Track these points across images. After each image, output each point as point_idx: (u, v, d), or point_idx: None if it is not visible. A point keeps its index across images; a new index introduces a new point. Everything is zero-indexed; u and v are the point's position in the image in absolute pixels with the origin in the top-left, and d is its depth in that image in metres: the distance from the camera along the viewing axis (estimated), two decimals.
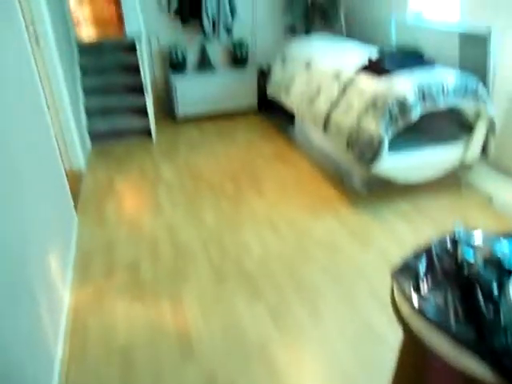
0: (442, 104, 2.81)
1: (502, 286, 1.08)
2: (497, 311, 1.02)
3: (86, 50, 4.47)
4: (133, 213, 3.10)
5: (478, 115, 2.97)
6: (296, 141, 4.29)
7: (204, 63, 4.99)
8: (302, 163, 3.80)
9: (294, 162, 3.82)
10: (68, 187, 2.84)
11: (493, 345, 0.97)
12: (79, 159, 3.62)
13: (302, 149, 4.10)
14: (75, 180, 3.38)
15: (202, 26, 4.63)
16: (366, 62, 3.17)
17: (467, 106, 2.92)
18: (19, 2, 2.32)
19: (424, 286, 1.16)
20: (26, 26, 2.53)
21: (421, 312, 1.09)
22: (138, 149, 4.18)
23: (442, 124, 3.26)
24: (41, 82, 2.61)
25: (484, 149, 3.11)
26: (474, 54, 2.99)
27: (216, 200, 3.22)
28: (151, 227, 2.89)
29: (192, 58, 4.97)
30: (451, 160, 3.13)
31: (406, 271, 1.25)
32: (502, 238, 1.27)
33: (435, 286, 1.15)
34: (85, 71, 4.39)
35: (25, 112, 2.09)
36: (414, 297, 1.13)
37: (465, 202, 3.07)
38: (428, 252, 1.28)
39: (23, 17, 2.39)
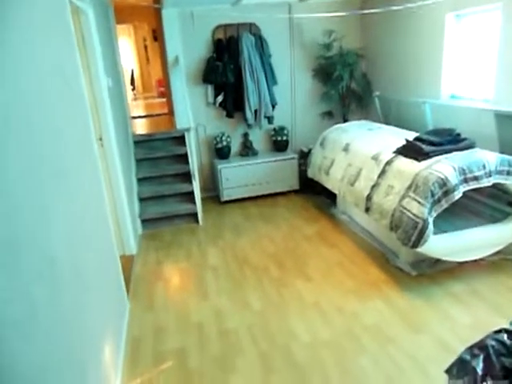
0: (485, 183, 2.82)
1: None
2: None
3: (140, 142, 4.94)
4: (180, 297, 3.17)
5: None
6: (338, 221, 4.34)
7: (247, 149, 5.33)
8: (346, 244, 3.80)
9: (338, 243, 3.83)
10: (121, 273, 3.00)
11: None
12: (131, 245, 3.84)
13: (344, 229, 4.13)
14: (127, 265, 3.56)
15: (244, 117, 5.03)
16: (405, 143, 3.28)
17: (510, 184, 2.91)
18: (91, 115, 2.69)
19: None
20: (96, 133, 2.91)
21: None
22: (186, 232, 4.38)
23: (492, 203, 3.24)
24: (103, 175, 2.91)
25: None
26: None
27: (261, 284, 3.24)
28: (198, 312, 2.94)
29: (236, 144, 5.34)
30: (503, 238, 3.04)
31: (461, 369, 1.21)
32: None
33: None
34: (138, 161, 4.81)
35: (91, 203, 2.33)
36: None
37: None
38: (483, 347, 1.24)
39: (94, 124, 2.76)
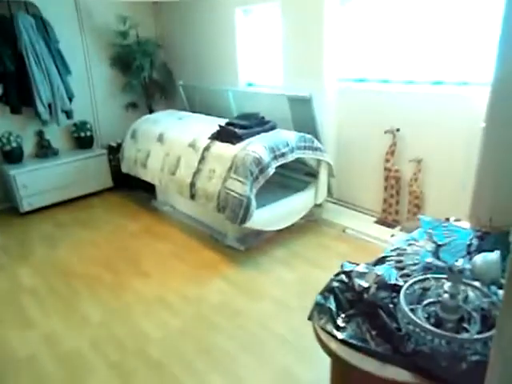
0: (290, 158, 3.26)
1: (394, 300, 1.33)
2: (397, 322, 1.25)
3: None
4: None
5: (318, 163, 3.54)
6: (162, 213, 4.30)
7: (44, 149, 4.67)
8: (175, 234, 3.81)
9: (166, 234, 3.81)
10: None
11: (405, 351, 1.17)
12: None
13: (170, 220, 4.12)
14: None
15: (36, 112, 4.37)
16: (218, 128, 3.47)
17: (309, 157, 3.46)
18: None
19: (339, 319, 1.33)
20: None
21: (344, 342, 1.26)
22: None
23: (296, 176, 3.77)
24: None
25: (329, 189, 3.70)
26: (303, 113, 3.58)
27: (95, 293, 2.95)
28: (25, 345, 2.47)
29: (29, 145, 4.61)
30: (306, 203, 3.60)
31: (320, 311, 1.41)
32: (375, 265, 1.56)
33: (347, 316, 1.34)
34: None
35: None
36: (335, 331, 1.29)
37: (325, 236, 3.53)
38: (331, 289, 1.47)
39: None
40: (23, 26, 4.17)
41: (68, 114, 4.63)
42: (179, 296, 2.86)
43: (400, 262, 1.59)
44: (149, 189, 4.48)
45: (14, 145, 4.38)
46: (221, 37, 4.48)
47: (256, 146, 3.15)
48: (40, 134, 4.66)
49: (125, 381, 2.17)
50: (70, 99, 4.61)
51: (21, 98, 4.33)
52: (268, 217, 3.32)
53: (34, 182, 4.35)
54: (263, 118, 3.57)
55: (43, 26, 4.35)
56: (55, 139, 4.78)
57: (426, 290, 1.39)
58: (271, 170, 3.12)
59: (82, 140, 4.87)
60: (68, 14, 4.60)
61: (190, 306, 2.75)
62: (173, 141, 3.82)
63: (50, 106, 4.43)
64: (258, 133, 3.36)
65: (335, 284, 1.50)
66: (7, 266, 3.41)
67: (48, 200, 4.48)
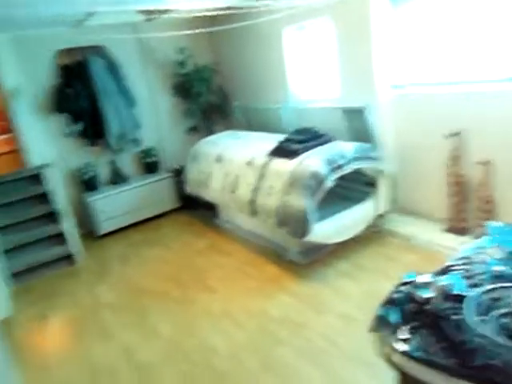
0: (347, 169, 3.24)
1: (459, 311, 1.27)
2: (463, 335, 1.19)
3: None
4: (80, 346, 2.85)
5: (377, 173, 3.47)
6: (224, 230, 4.44)
7: (116, 176, 5.06)
8: (238, 249, 3.92)
9: (230, 251, 3.92)
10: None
11: (473, 365, 1.12)
12: (4, 307, 3.29)
13: (232, 236, 4.24)
14: (5, 331, 3.03)
15: (108, 144, 4.77)
16: (275, 145, 3.55)
17: (368, 167, 3.41)
18: None
19: (402, 332, 1.30)
20: None
21: (407, 354, 1.22)
22: (65, 277, 3.94)
23: (356, 186, 3.71)
24: None
25: (392, 198, 3.60)
26: (359, 124, 3.55)
27: (166, 308, 3.13)
28: (105, 356, 2.68)
29: (104, 173, 5.03)
30: (368, 214, 3.53)
31: (381, 325, 1.39)
32: (440, 275, 1.51)
33: (411, 328, 1.30)
34: None
35: None
36: (398, 344, 1.26)
37: (390, 247, 3.42)
38: (392, 301, 1.44)
39: None
40: (95, 68, 4.61)
41: (136, 142, 5.01)
42: (244, 310, 2.93)
43: (467, 271, 1.52)
44: (212, 207, 4.66)
45: (92, 174, 4.81)
46: (271, 56, 4.60)
47: (312, 160, 3.17)
48: (112, 162, 5.07)
49: None
50: (137, 128, 4.98)
51: (95, 131, 4.76)
52: (329, 229, 3.30)
53: (108, 206, 4.73)
54: (318, 131, 3.59)
55: (112, 65, 4.78)
56: (126, 166, 5.16)
57: (496, 300, 1.31)
58: (329, 183, 3.11)
59: (150, 165, 5.21)
60: (133, 51, 5.00)
61: (254, 319, 2.81)
62: (231, 160, 3.96)
63: (119, 136, 4.82)
64: (314, 146, 3.38)
65: (396, 295, 1.47)
66: (89, 283, 3.73)
67: (121, 223, 4.84)
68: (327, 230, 3.29)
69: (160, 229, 4.80)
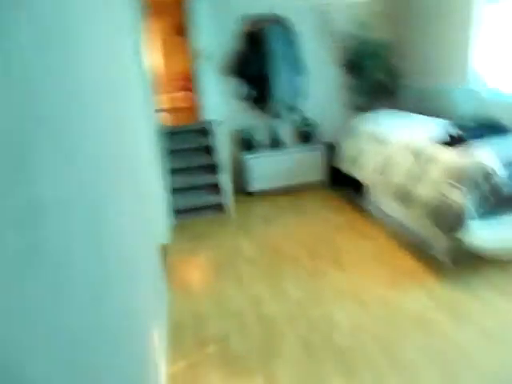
0: None
1: None
2: None
3: (168, 134, 4.97)
4: (217, 285, 3.20)
5: None
6: (367, 211, 4.31)
7: (273, 141, 5.33)
8: (377, 233, 3.78)
9: (368, 233, 3.81)
10: (160, 262, 3.04)
11: None
12: (165, 234, 3.88)
13: (374, 220, 4.10)
14: (164, 251, 3.60)
15: (272, 109, 5.02)
16: (448, 137, 3.22)
17: None
18: None
19: None
20: None
21: None
22: (216, 223, 4.41)
23: None
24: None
25: None
26: None
27: (296, 273, 3.25)
28: (236, 300, 2.96)
29: (263, 137, 5.34)
30: None
31: None
32: None
33: None
34: (167, 153, 4.85)
35: (133, 200, 2.36)
36: None
37: None
38: None
39: None
40: (274, 37, 4.82)
41: (296, 110, 5.14)
42: (373, 296, 2.85)
43: None
44: (358, 187, 4.55)
45: (251, 135, 5.16)
46: (454, 32, 4.10)
47: (487, 155, 2.79)
48: (271, 127, 5.33)
49: (309, 354, 2.33)
50: (301, 98, 5.10)
51: (262, 96, 5.05)
52: (491, 237, 2.90)
53: (261, 167, 5.04)
54: (498, 122, 3.11)
55: (290, 36, 4.93)
56: (283, 132, 5.37)
57: None
58: (507, 188, 2.69)
59: (306, 135, 5.31)
60: (312, 22, 5.04)
61: (383, 307, 2.71)
62: (388, 141, 3.77)
63: (283, 102, 5.02)
64: (491, 138, 2.96)
65: None
66: (234, 234, 4.10)
67: (270, 184, 5.12)
68: (489, 234, 2.90)
69: (303, 198, 4.92)
